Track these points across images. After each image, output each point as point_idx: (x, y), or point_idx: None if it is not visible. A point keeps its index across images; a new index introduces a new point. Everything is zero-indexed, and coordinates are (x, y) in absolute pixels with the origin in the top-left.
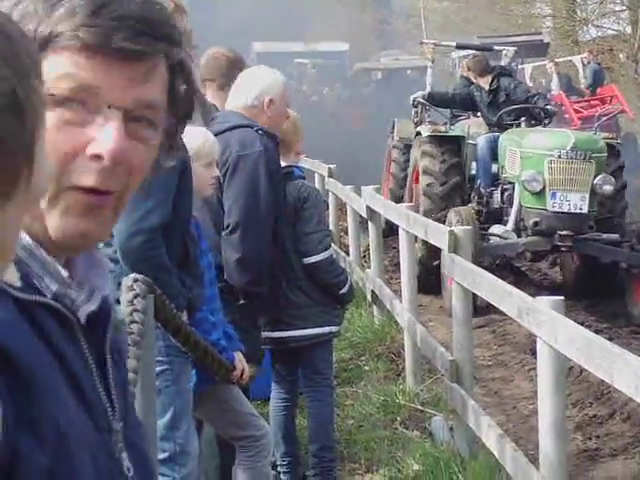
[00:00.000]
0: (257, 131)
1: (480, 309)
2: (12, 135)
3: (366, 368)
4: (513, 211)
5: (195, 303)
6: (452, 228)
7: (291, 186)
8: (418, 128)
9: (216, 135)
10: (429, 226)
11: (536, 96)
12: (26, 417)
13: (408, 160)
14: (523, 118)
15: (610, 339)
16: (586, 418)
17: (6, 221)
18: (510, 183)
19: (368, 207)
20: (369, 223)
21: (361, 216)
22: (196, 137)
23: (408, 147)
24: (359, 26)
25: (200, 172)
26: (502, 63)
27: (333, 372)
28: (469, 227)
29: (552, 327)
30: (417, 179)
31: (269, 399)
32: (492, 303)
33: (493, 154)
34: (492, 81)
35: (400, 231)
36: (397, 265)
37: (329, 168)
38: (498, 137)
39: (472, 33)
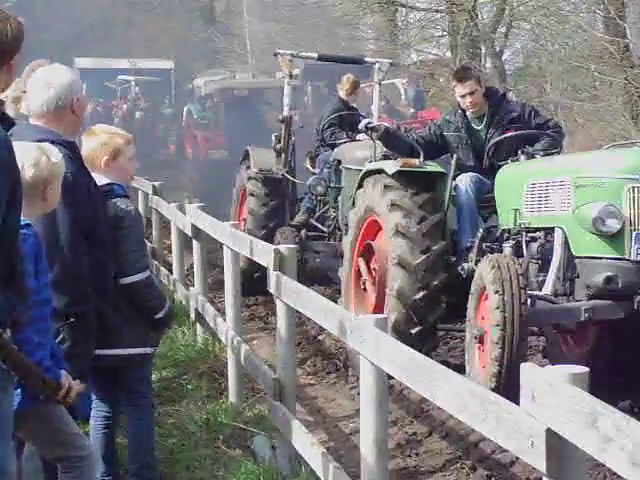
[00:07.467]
0: (54, 143)
1: None
2: None
3: (189, 387)
4: (554, 265)
5: (20, 320)
6: (277, 247)
7: (109, 205)
8: (371, 165)
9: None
10: (254, 244)
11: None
12: None
13: (268, 194)
14: (527, 148)
15: None
16: (406, 436)
17: None
18: (536, 230)
19: (193, 225)
20: (193, 241)
21: (185, 234)
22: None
23: (268, 180)
24: (184, 44)
25: None
26: (375, 79)
27: (153, 391)
28: (294, 246)
29: (375, 345)
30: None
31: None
32: (317, 321)
33: (478, 200)
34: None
35: (224, 249)
36: (220, 283)
37: (153, 185)
38: (480, 179)
39: None
